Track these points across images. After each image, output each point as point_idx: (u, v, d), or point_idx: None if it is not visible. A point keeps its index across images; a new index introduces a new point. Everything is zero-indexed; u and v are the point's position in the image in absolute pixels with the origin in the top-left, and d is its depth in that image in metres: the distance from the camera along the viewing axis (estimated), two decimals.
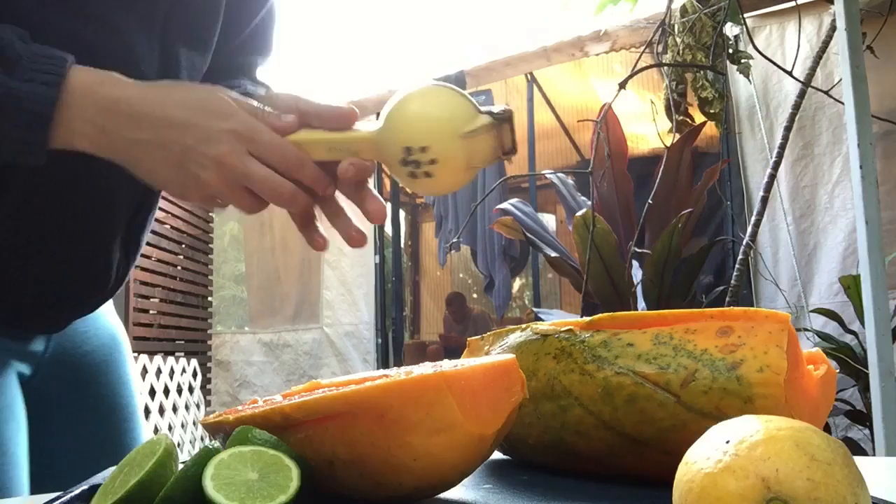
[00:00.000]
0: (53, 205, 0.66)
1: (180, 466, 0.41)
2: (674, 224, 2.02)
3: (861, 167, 1.53)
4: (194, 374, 3.94)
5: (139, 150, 0.53)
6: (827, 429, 2.12)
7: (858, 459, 0.34)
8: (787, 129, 2.50)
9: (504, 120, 0.52)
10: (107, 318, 0.84)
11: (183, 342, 4.37)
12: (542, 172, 3.57)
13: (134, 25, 0.64)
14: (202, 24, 0.71)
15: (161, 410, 3.38)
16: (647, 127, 4.26)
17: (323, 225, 0.60)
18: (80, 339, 0.78)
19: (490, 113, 0.52)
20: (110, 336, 0.82)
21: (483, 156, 0.53)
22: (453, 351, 5.31)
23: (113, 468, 0.44)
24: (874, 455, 1.68)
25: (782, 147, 2.48)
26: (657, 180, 2.23)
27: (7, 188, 0.63)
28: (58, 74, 0.51)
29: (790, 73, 2.09)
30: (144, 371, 3.26)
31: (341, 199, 0.59)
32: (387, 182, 4.81)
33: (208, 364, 4.73)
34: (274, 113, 0.55)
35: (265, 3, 0.79)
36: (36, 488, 0.70)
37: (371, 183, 0.58)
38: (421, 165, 0.52)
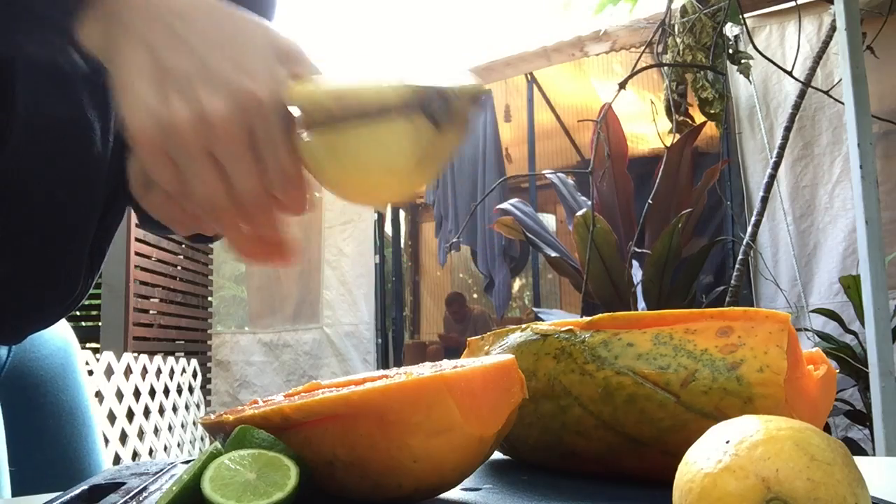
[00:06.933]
0: (18, 206, 0.62)
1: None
2: (674, 224, 2.02)
3: (861, 167, 1.53)
4: (194, 374, 3.94)
5: (134, 51, 0.40)
6: (827, 429, 2.11)
7: (858, 459, 0.34)
8: (787, 129, 2.50)
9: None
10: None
11: (183, 342, 4.37)
12: (542, 172, 3.57)
13: None
14: None
15: (161, 410, 3.38)
16: (647, 127, 4.26)
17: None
18: (33, 344, 0.76)
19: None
20: (62, 339, 0.80)
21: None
22: (453, 351, 5.31)
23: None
24: (874, 455, 1.68)
25: (782, 147, 2.48)
26: (657, 180, 2.23)
27: None
28: None
29: (790, 73, 2.09)
30: (144, 371, 3.26)
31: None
32: None
33: (208, 364, 4.73)
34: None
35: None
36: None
37: None
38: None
